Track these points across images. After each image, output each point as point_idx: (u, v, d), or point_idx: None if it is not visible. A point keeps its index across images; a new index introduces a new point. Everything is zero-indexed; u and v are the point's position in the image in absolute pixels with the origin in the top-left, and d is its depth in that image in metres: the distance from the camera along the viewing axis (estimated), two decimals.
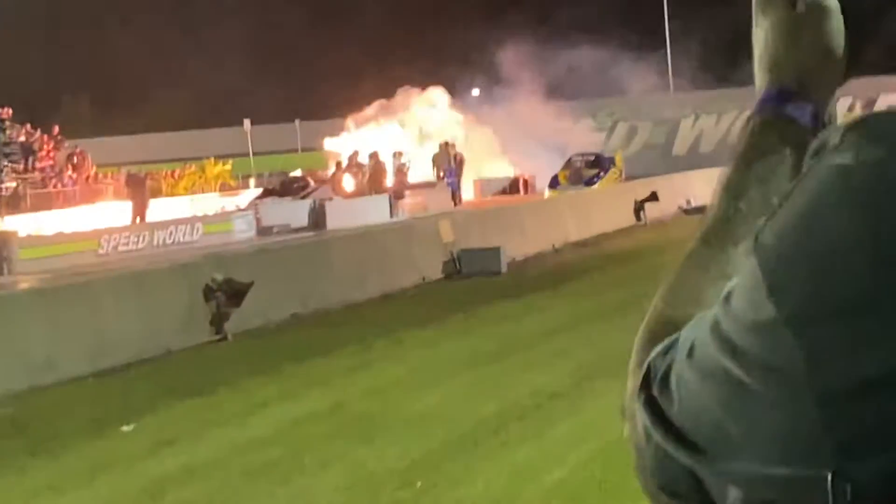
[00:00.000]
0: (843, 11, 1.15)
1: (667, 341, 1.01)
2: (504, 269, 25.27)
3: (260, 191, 48.69)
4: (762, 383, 0.91)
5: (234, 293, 18.51)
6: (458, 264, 25.31)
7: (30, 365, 15.51)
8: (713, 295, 0.99)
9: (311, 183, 47.41)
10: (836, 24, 1.14)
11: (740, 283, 0.95)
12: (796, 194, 0.95)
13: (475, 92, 61.00)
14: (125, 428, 12.63)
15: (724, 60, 63.59)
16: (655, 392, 0.99)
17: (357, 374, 14.82)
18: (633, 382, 1.04)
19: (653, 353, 1.01)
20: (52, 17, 79.84)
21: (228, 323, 18.42)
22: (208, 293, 18.43)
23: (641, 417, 1.00)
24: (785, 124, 1.07)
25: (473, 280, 23.95)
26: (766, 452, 0.91)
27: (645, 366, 1.01)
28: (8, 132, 50.90)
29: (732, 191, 1.10)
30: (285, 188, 47.06)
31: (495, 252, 25.41)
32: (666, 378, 0.98)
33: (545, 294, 21.24)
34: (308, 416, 12.68)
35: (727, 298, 0.95)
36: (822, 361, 0.89)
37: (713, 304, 0.97)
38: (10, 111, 51.63)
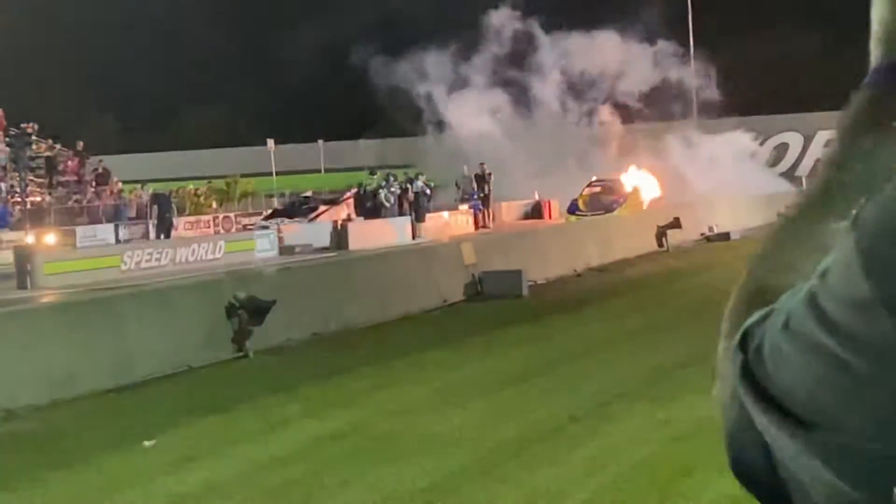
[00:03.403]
0: None
1: (765, 310, 1.00)
2: (525, 292, 25.27)
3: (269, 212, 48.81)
4: (858, 359, 0.90)
5: (257, 311, 18.55)
6: (479, 287, 25.33)
7: (52, 379, 15.56)
8: (810, 266, 0.98)
9: (321, 206, 47.42)
10: None
11: (838, 259, 0.94)
12: None
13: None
14: (146, 443, 12.65)
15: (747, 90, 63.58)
16: (751, 357, 0.98)
17: (378, 395, 14.82)
18: (724, 344, 1.03)
19: (751, 319, 1.00)
20: (80, 34, 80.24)
21: (250, 341, 18.45)
22: (231, 311, 18.48)
23: (734, 380, 0.99)
24: (894, 98, 1.04)
25: (495, 302, 23.94)
26: (862, 428, 0.90)
27: (742, 330, 1.00)
28: (34, 146, 51.21)
29: (836, 163, 1.07)
30: (294, 209, 47.13)
31: (517, 275, 25.42)
32: (761, 346, 0.98)
33: (566, 318, 21.23)
34: (329, 436, 12.68)
35: (824, 274, 0.95)
36: None
37: (809, 274, 0.97)
38: (36, 126, 51.95)
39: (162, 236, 41.46)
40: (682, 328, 18.91)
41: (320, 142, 71.85)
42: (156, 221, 42.98)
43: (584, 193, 49.27)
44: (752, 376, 0.97)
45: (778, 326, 0.96)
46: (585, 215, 44.88)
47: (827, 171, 1.08)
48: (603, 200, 47.83)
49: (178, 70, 79.83)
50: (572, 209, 48.03)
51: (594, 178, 50.88)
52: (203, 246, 37.38)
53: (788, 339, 0.95)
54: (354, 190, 48.69)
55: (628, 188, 49.77)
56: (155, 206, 44.04)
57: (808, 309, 0.94)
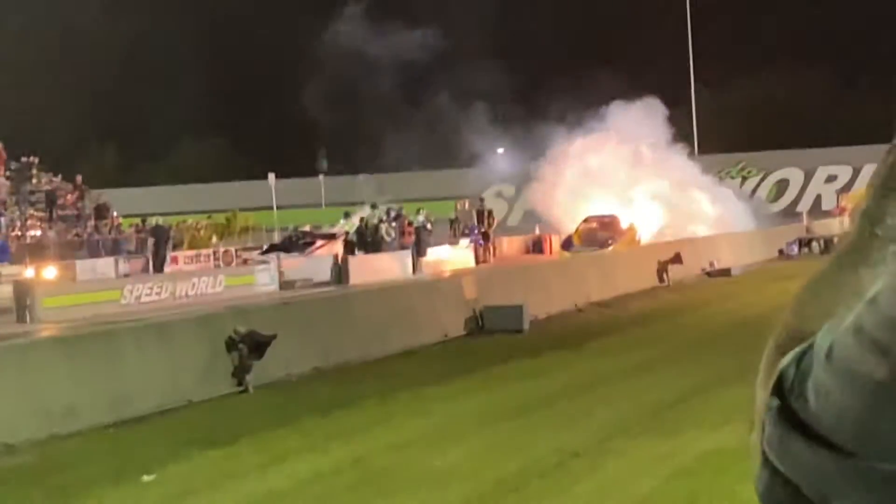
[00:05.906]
0: None
1: (798, 349, 0.99)
2: (527, 326, 25.21)
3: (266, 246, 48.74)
4: None
5: (257, 345, 18.51)
6: (480, 321, 25.28)
7: (51, 413, 15.50)
8: (844, 310, 0.97)
9: (318, 241, 47.40)
10: None
11: (888, 283, 0.94)
12: None
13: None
14: (146, 478, 12.60)
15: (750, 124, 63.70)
16: (791, 399, 0.96)
17: (378, 429, 14.76)
18: (762, 395, 1.02)
19: (784, 362, 1.00)
20: (81, 67, 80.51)
21: (250, 375, 18.39)
22: (231, 345, 18.43)
23: (773, 427, 0.97)
24: None
25: (496, 337, 23.90)
26: None
27: (776, 374, 0.99)
28: (34, 180, 51.28)
29: (870, 217, 1.08)
30: (291, 244, 47.16)
31: (518, 310, 25.36)
32: (801, 384, 0.96)
33: (567, 352, 21.18)
34: (329, 470, 12.63)
35: (873, 300, 0.94)
36: None
37: (844, 317, 0.96)
38: (37, 160, 52.06)
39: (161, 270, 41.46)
40: (683, 363, 18.89)
41: (321, 176, 71.96)
42: (150, 255, 43.00)
43: (579, 229, 49.18)
44: (794, 417, 0.95)
45: (820, 360, 0.95)
46: (580, 251, 44.77)
47: (861, 224, 1.09)
48: (598, 236, 47.64)
49: (179, 103, 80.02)
50: (566, 245, 47.94)
51: (589, 215, 50.71)
52: (203, 280, 37.35)
53: (831, 370, 0.94)
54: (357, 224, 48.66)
55: (624, 224, 49.63)
56: (151, 240, 44.04)
57: (855, 336, 0.93)
